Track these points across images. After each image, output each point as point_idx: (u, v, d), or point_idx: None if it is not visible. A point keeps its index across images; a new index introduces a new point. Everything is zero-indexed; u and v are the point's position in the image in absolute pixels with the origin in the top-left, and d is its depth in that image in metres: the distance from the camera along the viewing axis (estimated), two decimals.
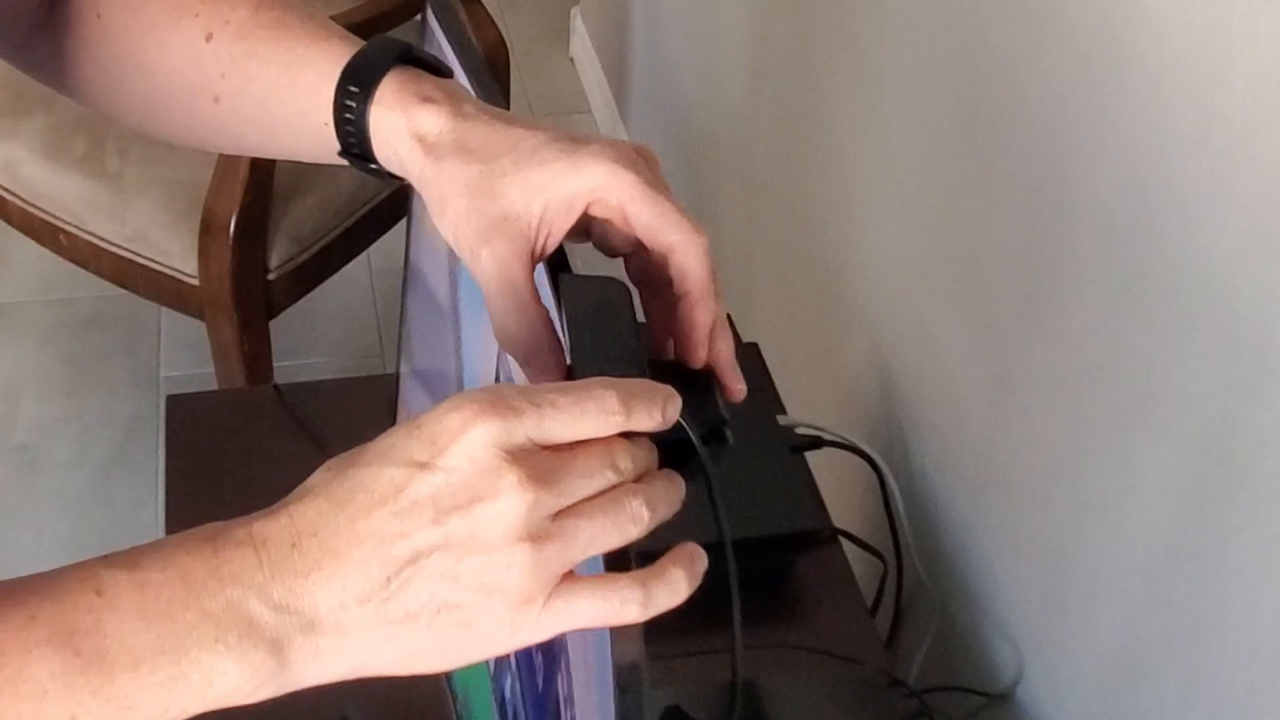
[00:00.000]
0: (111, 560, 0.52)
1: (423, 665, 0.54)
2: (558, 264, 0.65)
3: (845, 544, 1.28)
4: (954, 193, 1.27)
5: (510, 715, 0.79)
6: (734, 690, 0.65)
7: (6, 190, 1.92)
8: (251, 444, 1.27)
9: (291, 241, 1.83)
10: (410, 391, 1.01)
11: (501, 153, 0.64)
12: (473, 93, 0.69)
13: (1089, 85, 1.02)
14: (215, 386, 1.93)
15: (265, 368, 1.90)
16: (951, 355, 1.29)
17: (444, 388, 0.89)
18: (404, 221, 0.96)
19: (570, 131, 0.65)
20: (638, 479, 0.54)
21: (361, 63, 0.68)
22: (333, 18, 0.77)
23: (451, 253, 0.83)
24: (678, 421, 0.55)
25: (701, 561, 0.55)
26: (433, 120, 0.65)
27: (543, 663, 0.70)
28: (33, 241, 1.96)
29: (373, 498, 0.52)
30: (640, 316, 0.63)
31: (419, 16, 0.82)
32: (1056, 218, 1.09)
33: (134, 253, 1.84)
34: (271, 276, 1.82)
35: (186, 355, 2.33)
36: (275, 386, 1.35)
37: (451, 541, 0.51)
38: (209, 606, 0.51)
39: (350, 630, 0.52)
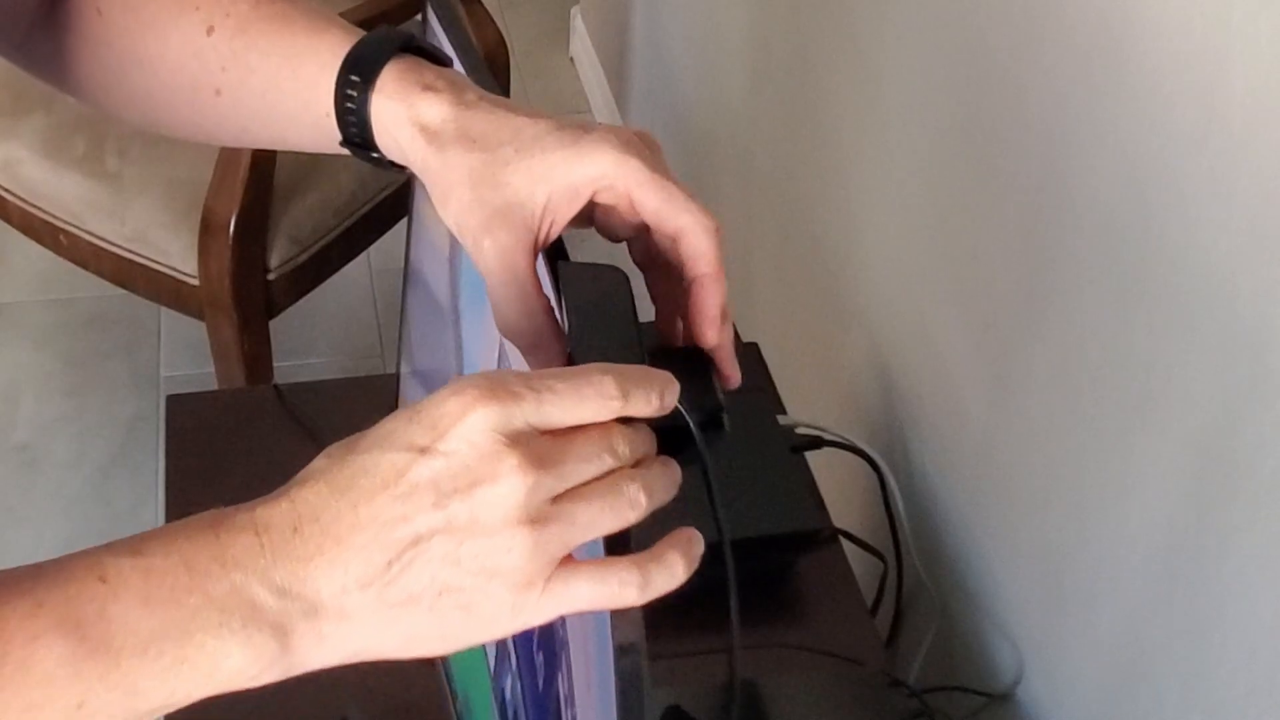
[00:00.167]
0: (115, 548, 0.53)
1: (424, 648, 0.54)
2: (555, 252, 0.65)
3: (845, 544, 1.28)
4: (954, 193, 1.27)
5: (511, 715, 0.79)
6: (731, 672, 0.64)
7: (6, 190, 1.92)
8: (251, 444, 1.27)
9: (291, 241, 1.83)
10: (410, 391, 1.01)
11: (504, 141, 0.64)
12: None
13: (1089, 85, 1.02)
14: (215, 386, 1.93)
15: (265, 368, 1.90)
16: (951, 355, 1.29)
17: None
18: (404, 221, 0.96)
19: (572, 119, 0.65)
20: (635, 464, 0.55)
21: (362, 52, 0.68)
22: None
23: (452, 250, 0.83)
24: (675, 408, 0.56)
25: (698, 545, 0.55)
26: (434, 109, 0.65)
27: (543, 663, 0.70)
28: (33, 241, 1.96)
29: (374, 482, 0.52)
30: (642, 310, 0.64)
31: (419, 16, 0.82)
32: (1056, 218, 1.09)
33: (134, 253, 1.84)
34: (271, 276, 1.82)
35: (186, 355, 2.33)
36: (275, 386, 1.35)
37: (452, 525, 0.52)
38: (213, 592, 0.52)
39: (353, 614, 0.53)
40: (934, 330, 1.33)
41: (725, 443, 0.59)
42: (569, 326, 0.61)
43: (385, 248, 2.05)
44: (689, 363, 0.58)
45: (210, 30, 0.73)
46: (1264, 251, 0.85)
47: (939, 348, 1.32)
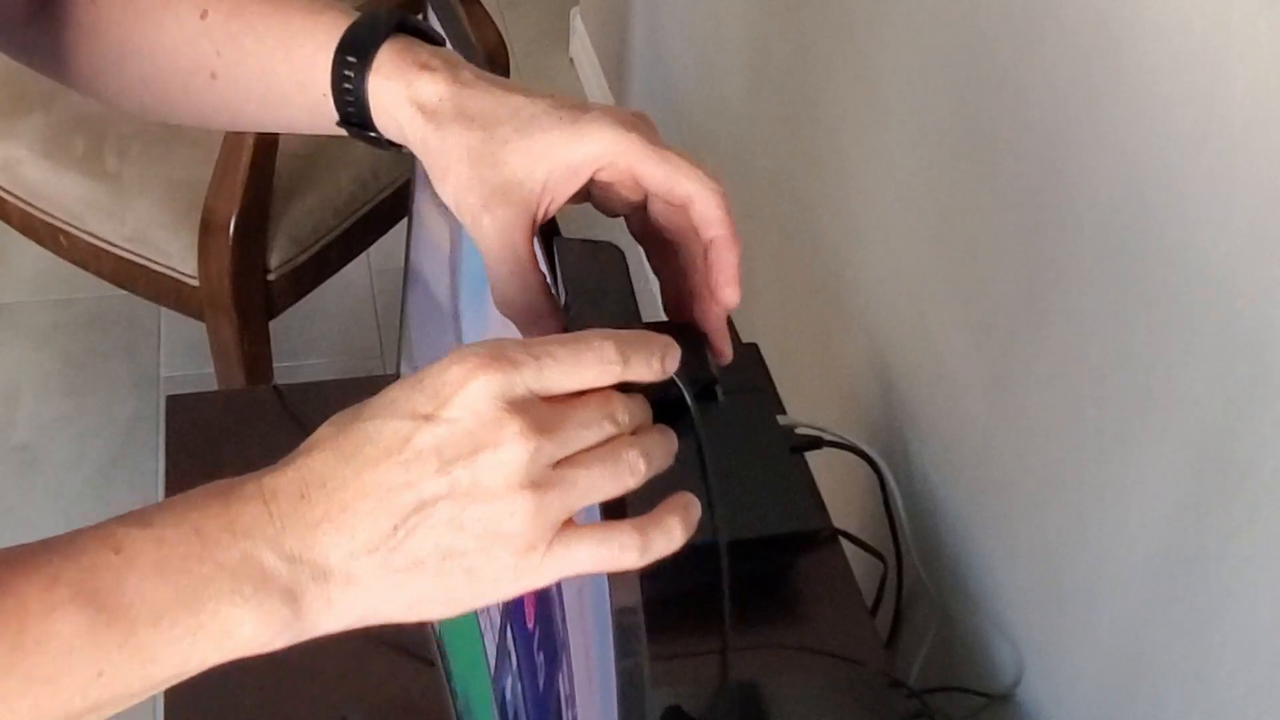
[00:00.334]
0: (126, 519, 0.53)
1: (430, 611, 0.55)
2: (548, 230, 0.66)
3: (845, 544, 1.28)
4: (954, 193, 1.27)
5: (511, 715, 0.79)
6: (724, 662, 0.65)
7: (6, 190, 1.92)
8: (251, 444, 1.27)
9: (291, 242, 1.83)
10: None
11: (502, 119, 0.64)
12: None
13: (1089, 86, 1.02)
14: (215, 387, 1.93)
15: (265, 368, 1.90)
16: (951, 355, 1.29)
17: None
18: (404, 222, 0.96)
19: (568, 98, 0.66)
20: (633, 432, 0.56)
21: (358, 33, 0.69)
22: None
23: (452, 250, 0.83)
24: (671, 379, 0.57)
25: (696, 510, 0.56)
26: (432, 87, 0.66)
27: (543, 663, 0.70)
28: (33, 241, 1.95)
29: (378, 449, 0.53)
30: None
31: (419, 16, 0.82)
32: (1056, 218, 1.09)
33: (134, 253, 1.84)
34: (271, 277, 1.82)
35: (186, 355, 2.33)
36: (275, 387, 1.35)
37: (456, 490, 0.53)
38: (224, 560, 0.52)
39: (360, 578, 0.54)
40: (934, 330, 1.33)
41: (717, 414, 0.60)
42: (567, 301, 0.62)
43: (385, 248, 2.05)
44: (681, 337, 0.59)
45: (204, 14, 0.74)
46: (1264, 251, 0.85)
47: (939, 348, 1.32)
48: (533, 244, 0.65)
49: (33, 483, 2.15)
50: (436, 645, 1.01)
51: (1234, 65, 0.86)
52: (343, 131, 0.71)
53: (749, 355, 1.39)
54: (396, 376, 1.05)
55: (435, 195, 0.68)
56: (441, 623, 0.99)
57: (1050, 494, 1.14)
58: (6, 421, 2.24)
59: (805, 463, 1.28)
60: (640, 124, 0.65)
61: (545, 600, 0.69)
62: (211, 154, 1.75)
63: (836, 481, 1.38)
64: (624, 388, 0.56)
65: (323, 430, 0.55)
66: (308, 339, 2.36)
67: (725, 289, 0.64)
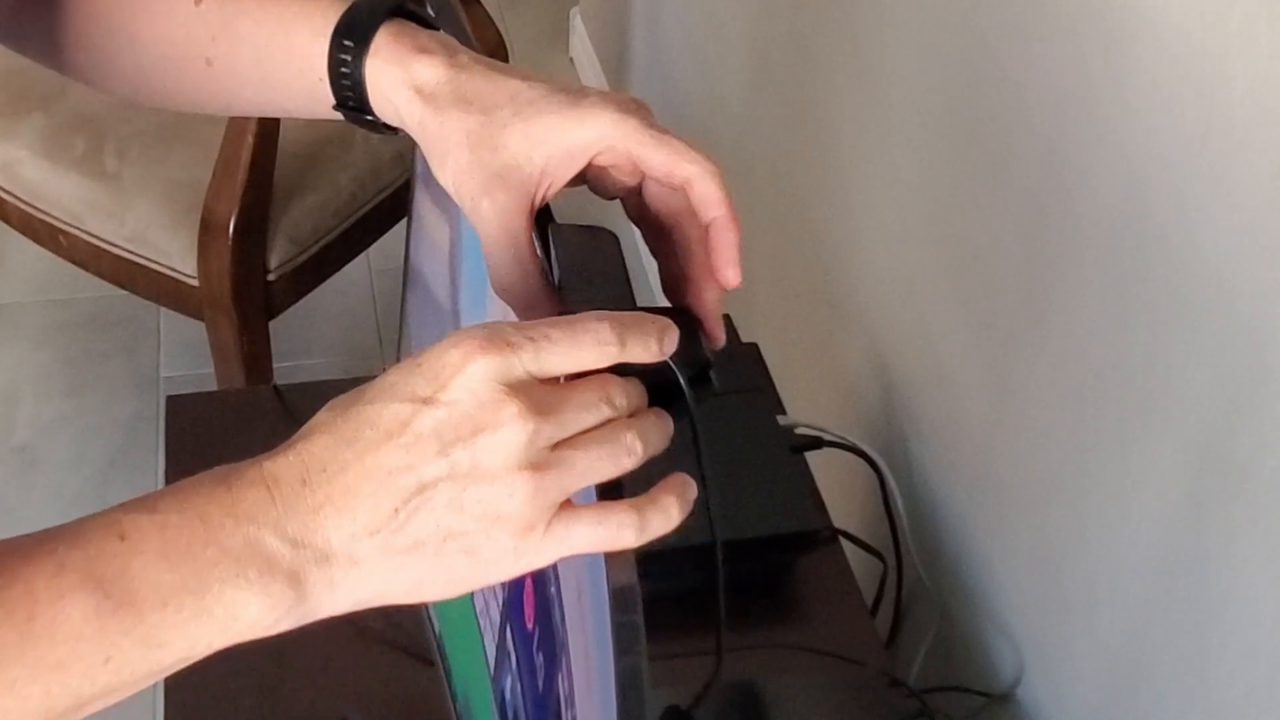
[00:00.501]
0: (129, 506, 0.54)
1: (432, 593, 0.56)
2: (542, 216, 0.66)
3: (845, 544, 1.28)
4: (954, 192, 1.27)
5: (510, 715, 0.79)
6: (719, 658, 0.65)
7: (6, 191, 1.92)
8: (251, 444, 1.27)
9: (291, 242, 1.83)
10: None
11: (500, 103, 0.65)
12: None
13: (1089, 85, 1.02)
14: (215, 387, 1.93)
15: (265, 368, 1.90)
16: (951, 355, 1.29)
17: None
18: (404, 222, 0.96)
19: (565, 83, 0.66)
20: (630, 415, 0.57)
21: (355, 16, 0.69)
22: None
23: (451, 250, 0.83)
24: (666, 363, 0.57)
25: (692, 490, 0.57)
26: (430, 70, 0.66)
27: (543, 663, 0.70)
28: (32, 241, 1.95)
29: (379, 433, 0.54)
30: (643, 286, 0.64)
31: None
32: (1057, 218, 1.09)
33: (133, 253, 1.84)
34: (271, 277, 1.82)
35: (186, 355, 2.33)
36: (275, 387, 1.35)
37: (456, 472, 0.54)
38: (228, 544, 0.53)
39: (362, 561, 0.54)
40: (934, 330, 1.33)
41: (716, 414, 0.60)
42: (562, 286, 0.63)
43: (385, 248, 2.04)
44: (676, 321, 0.59)
45: (199, 0, 0.74)
46: (1264, 251, 0.85)
47: (939, 348, 1.32)
48: (532, 229, 0.65)
49: (33, 483, 2.15)
50: (436, 645, 1.01)
51: (1234, 65, 0.86)
52: (339, 116, 0.71)
53: (749, 355, 1.39)
54: None
55: (434, 193, 0.68)
56: (441, 623, 0.99)
57: (1050, 494, 1.14)
58: (6, 422, 2.24)
59: (805, 463, 1.28)
60: (638, 108, 0.65)
61: (545, 600, 0.69)
62: (211, 154, 1.75)
63: (836, 481, 1.38)
64: (621, 371, 0.56)
65: (322, 415, 0.56)
66: (308, 339, 2.36)
67: (727, 269, 0.65)
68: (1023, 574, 1.20)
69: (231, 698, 1.11)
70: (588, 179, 0.67)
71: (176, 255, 1.81)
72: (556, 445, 0.54)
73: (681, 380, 0.58)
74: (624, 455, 0.55)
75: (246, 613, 0.53)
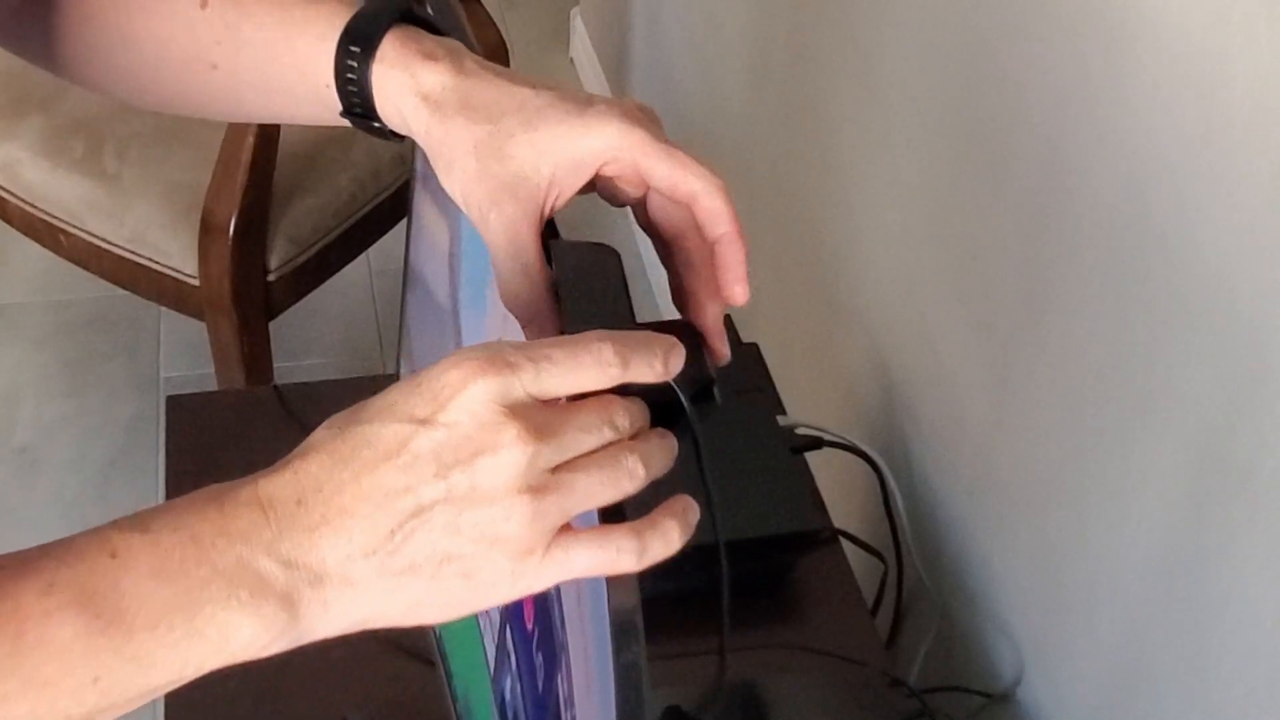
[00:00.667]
0: (121, 524, 0.53)
1: (428, 615, 0.55)
2: (546, 230, 0.65)
3: (845, 544, 1.28)
4: (954, 193, 1.27)
5: (510, 716, 0.79)
6: (723, 662, 0.65)
7: (6, 191, 1.92)
8: (251, 445, 1.27)
9: (291, 242, 1.83)
10: None
11: (508, 112, 0.64)
12: None
13: (1089, 86, 1.02)
14: (215, 387, 1.93)
15: (265, 368, 1.90)
16: (951, 355, 1.29)
17: None
18: (403, 222, 0.96)
19: (573, 91, 0.65)
20: (633, 437, 0.56)
21: (361, 23, 0.68)
22: None
23: (451, 250, 0.83)
24: (667, 382, 0.56)
25: (694, 513, 0.56)
26: (436, 77, 0.66)
27: (543, 664, 0.70)
28: (33, 241, 1.95)
29: (376, 453, 0.53)
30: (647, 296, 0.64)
31: None
32: (1057, 218, 1.09)
33: (134, 253, 1.84)
34: (271, 277, 1.82)
35: (186, 356, 2.33)
36: (275, 387, 1.35)
37: (454, 494, 0.53)
38: (220, 564, 0.52)
39: (357, 582, 0.54)
40: (934, 330, 1.33)
41: (716, 416, 0.60)
42: (562, 303, 0.62)
43: (385, 248, 2.05)
44: (679, 337, 0.58)
45: (205, 4, 0.73)
46: (1264, 251, 0.85)
47: (939, 348, 1.32)
48: (539, 240, 0.64)
49: (33, 484, 2.15)
50: (436, 645, 1.01)
51: (1234, 65, 0.86)
52: (346, 122, 0.71)
53: (749, 355, 1.39)
54: (396, 376, 1.05)
55: (435, 195, 0.68)
56: (441, 624, 0.99)
57: (1050, 494, 1.14)
58: (7, 423, 2.24)
59: (805, 463, 1.28)
60: (645, 118, 0.65)
61: (544, 601, 0.69)
62: (211, 155, 1.75)
63: (836, 481, 1.38)
64: (622, 390, 0.56)
65: (319, 433, 0.55)
66: (308, 339, 2.36)
67: (734, 287, 0.64)
68: (1023, 574, 1.20)
69: (232, 698, 1.11)
70: (597, 187, 0.66)
71: (176, 255, 1.81)
72: (557, 468, 0.54)
73: (684, 400, 0.58)
74: (625, 479, 0.55)
75: (239, 634, 0.53)
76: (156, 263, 1.83)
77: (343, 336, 2.41)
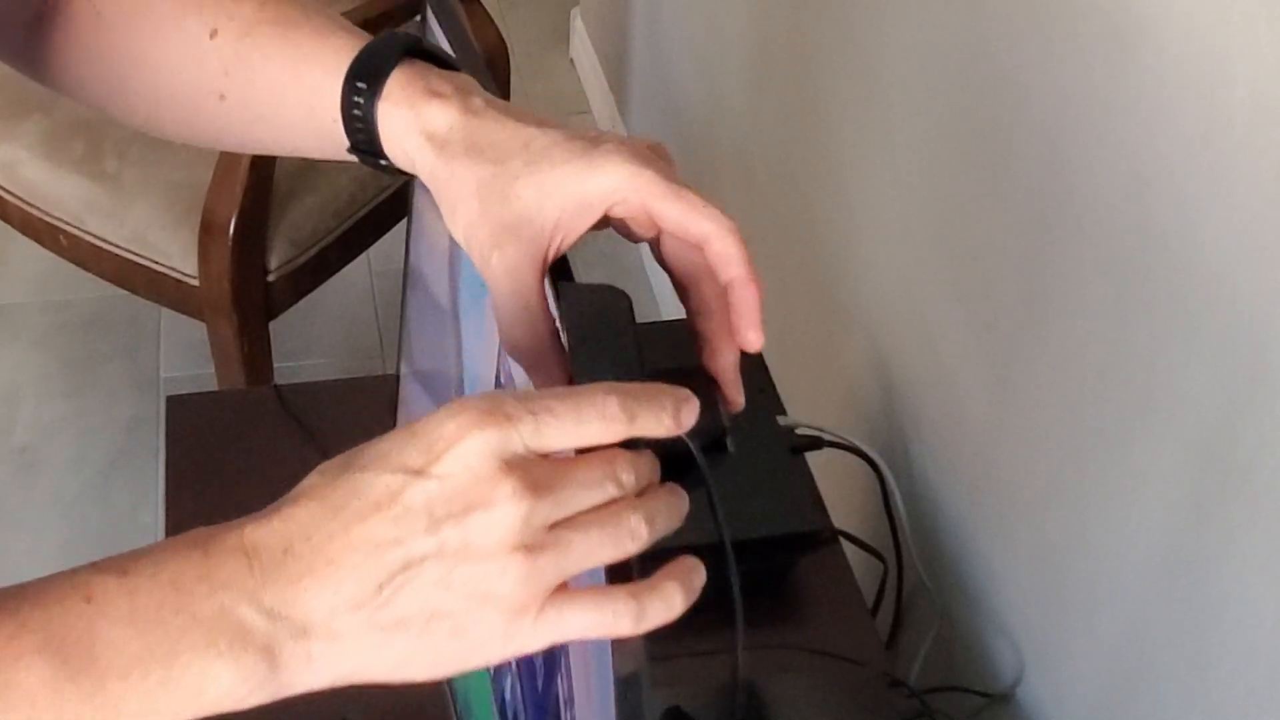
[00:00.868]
0: (101, 566, 0.52)
1: (415, 672, 0.54)
2: (558, 271, 0.64)
3: (845, 544, 1.28)
4: (955, 193, 1.27)
5: (510, 717, 0.79)
6: (724, 662, 0.64)
7: (6, 191, 1.92)
8: (251, 445, 1.27)
9: (291, 243, 1.83)
10: (410, 392, 1.01)
11: (513, 153, 0.63)
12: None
13: (1090, 86, 1.02)
14: (215, 387, 1.93)
15: (265, 368, 1.90)
16: (951, 355, 1.29)
17: (445, 389, 0.89)
18: (403, 223, 0.96)
19: (581, 130, 0.64)
20: (641, 492, 0.54)
21: (368, 58, 0.67)
22: None
23: (451, 251, 0.83)
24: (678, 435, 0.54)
25: (699, 576, 0.54)
26: (441, 116, 0.64)
27: (543, 664, 0.70)
28: (33, 242, 1.96)
29: (367, 504, 0.51)
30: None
31: (419, 17, 0.82)
32: (1057, 218, 1.09)
33: (134, 253, 1.84)
34: (271, 278, 1.83)
35: (186, 356, 2.33)
36: (275, 387, 1.35)
37: (445, 550, 0.51)
38: (200, 612, 0.51)
39: (343, 636, 0.52)
40: (934, 330, 1.33)
41: (729, 465, 0.58)
42: (568, 348, 0.60)
43: (385, 249, 2.05)
44: (689, 384, 0.57)
45: (214, 34, 0.72)
46: (1264, 251, 0.85)
47: (939, 348, 1.32)
48: (543, 284, 0.63)
49: (33, 484, 2.15)
50: None
51: (1234, 65, 0.86)
52: (354, 158, 0.69)
53: (749, 355, 1.39)
54: (396, 377, 1.05)
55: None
56: None
57: (1050, 494, 1.14)
58: (7, 423, 2.24)
59: (805, 463, 1.28)
60: (655, 158, 0.63)
61: None
62: (211, 156, 1.75)
63: (836, 481, 1.38)
64: (633, 442, 0.53)
65: (312, 478, 0.53)
66: (308, 339, 2.36)
67: (748, 332, 0.62)
68: (1023, 574, 1.20)
69: None
70: (611, 223, 0.64)
71: (176, 256, 1.81)
72: (555, 525, 0.52)
73: (696, 453, 0.55)
74: (627, 538, 0.52)
75: (216, 684, 0.51)
76: (156, 263, 1.83)
77: (343, 336, 2.41)
